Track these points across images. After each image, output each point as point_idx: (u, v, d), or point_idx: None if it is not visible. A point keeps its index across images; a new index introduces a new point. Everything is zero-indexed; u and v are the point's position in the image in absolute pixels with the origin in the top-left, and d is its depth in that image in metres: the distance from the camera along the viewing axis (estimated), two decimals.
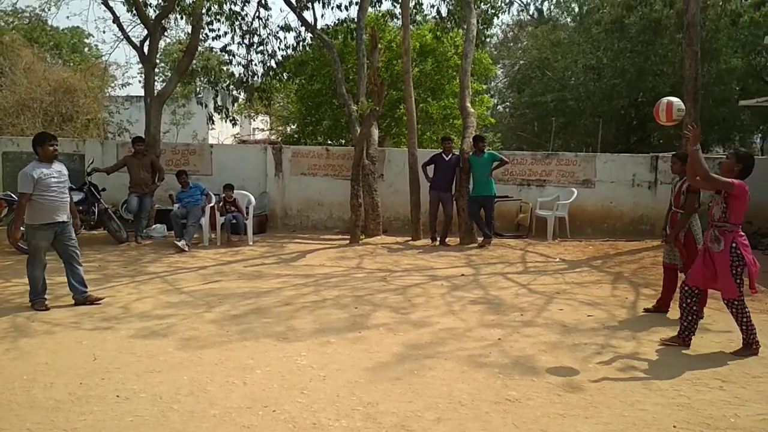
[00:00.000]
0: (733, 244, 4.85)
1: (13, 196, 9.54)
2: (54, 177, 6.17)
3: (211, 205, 10.55)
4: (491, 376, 4.50)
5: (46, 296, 6.37)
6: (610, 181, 11.83)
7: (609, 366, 4.75)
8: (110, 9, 12.17)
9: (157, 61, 13.37)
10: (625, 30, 19.14)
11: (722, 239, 4.89)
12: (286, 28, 14.08)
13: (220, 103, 14.55)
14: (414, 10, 14.00)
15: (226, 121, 14.76)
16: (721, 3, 15.04)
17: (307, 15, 13.13)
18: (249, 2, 13.50)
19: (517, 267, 8.87)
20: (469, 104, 11.52)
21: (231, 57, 14.25)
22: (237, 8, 13.24)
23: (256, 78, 14.41)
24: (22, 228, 6.37)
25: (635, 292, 7.29)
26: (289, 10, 12.98)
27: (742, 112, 18.02)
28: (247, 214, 10.72)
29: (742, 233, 4.96)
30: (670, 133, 18.10)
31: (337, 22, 14.42)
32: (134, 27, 12.83)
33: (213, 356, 4.89)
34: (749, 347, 4.95)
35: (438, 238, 10.74)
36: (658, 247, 9.80)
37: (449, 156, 10.76)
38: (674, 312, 6.29)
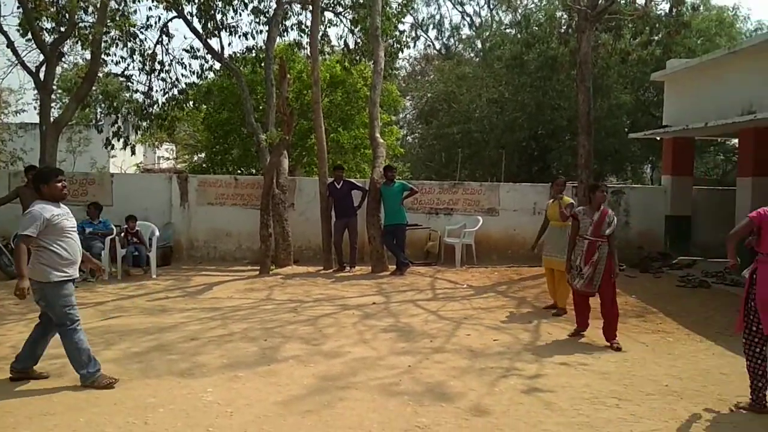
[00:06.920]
0: None
1: None
2: (67, 219, 5.08)
3: (112, 237, 10.08)
4: (402, 404, 4.52)
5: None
6: (513, 210, 12.30)
7: (514, 389, 4.89)
8: (4, 33, 11.44)
9: (54, 87, 12.64)
10: (525, 66, 20.12)
11: None
12: (192, 55, 13.73)
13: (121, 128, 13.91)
14: (322, 41, 14.10)
15: (125, 149, 14.15)
16: (611, 42, 16.08)
17: (214, 43, 12.93)
18: (150, 27, 12.97)
19: (427, 294, 9.01)
20: (378, 135, 11.70)
21: (130, 83, 13.74)
22: (136, 30, 12.74)
23: (157, 106, 13.94)
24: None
25: (538, 315, 7.58)
26: (194, 36, 12.74)
27: (633, 144, 19.25)
28: (151, 245, 10.31)
29: None
30: (569, 163, 19.10)
31: (245, 50, 14.26)
32: (30, 52, 12.06)
33: (111, 396, 4.64)
34: None
35: (347, 265, 10.83)
36: None
37: (341, 183, 11.10)
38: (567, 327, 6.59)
